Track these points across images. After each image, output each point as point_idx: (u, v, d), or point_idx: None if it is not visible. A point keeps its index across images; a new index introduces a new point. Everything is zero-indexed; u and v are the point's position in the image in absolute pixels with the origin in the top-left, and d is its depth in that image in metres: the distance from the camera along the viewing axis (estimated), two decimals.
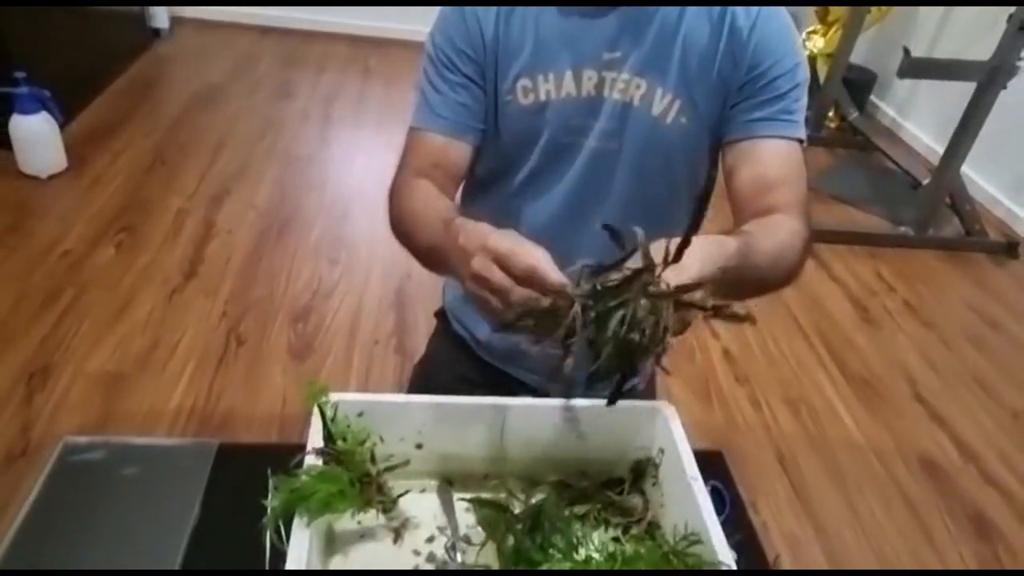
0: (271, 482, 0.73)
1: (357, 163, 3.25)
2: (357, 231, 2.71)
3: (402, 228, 0.94)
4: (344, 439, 0.77)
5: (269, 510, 0.71)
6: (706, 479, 0.81)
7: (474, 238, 0.70)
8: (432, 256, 0.86)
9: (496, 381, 1.18)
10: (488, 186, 1.07)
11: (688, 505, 0.78)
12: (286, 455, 0.76)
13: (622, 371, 0.67)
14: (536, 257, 0.65)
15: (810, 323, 2.57)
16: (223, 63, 3.93)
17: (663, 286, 0.61)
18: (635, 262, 0.62)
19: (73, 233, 2.45)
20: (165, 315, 2.18)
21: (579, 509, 0.87)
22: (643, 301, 0.61)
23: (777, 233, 0.85)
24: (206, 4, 4.30)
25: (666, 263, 0.62)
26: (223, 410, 1.90)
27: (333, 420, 0.78)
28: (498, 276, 0.65)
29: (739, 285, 0.75)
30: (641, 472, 0.90)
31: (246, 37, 4.28)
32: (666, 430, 0.86)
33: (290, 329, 2.22)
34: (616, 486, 0.90)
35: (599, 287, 0.62)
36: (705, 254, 0.66)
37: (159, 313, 2.19)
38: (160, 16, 4.05)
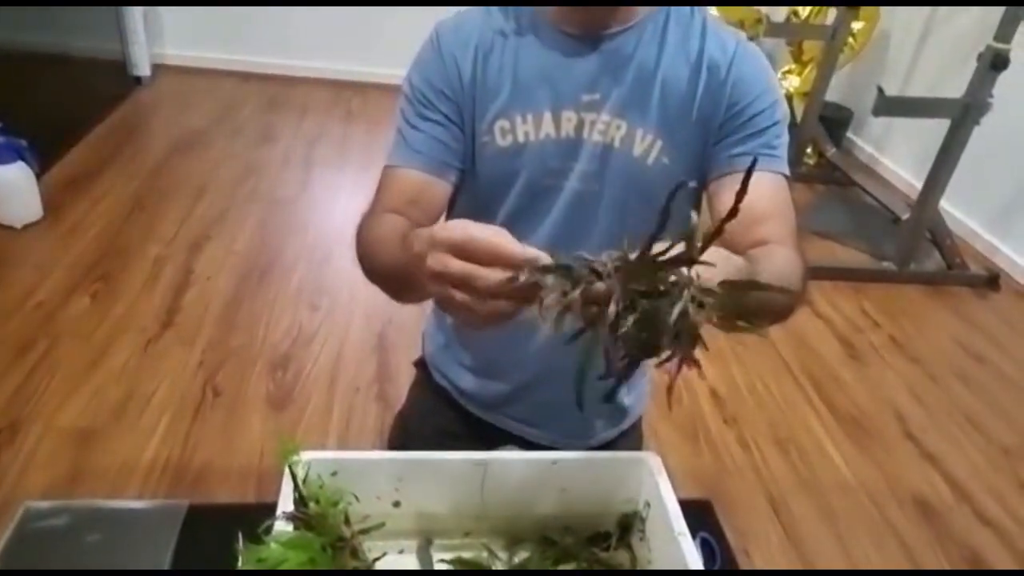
0: (239, 551, 0.69)
1: (339, 206, 3.23)
2: (338, 275, 2.68)
3: (366, 261, 0.90)
4: (316, 501, 0.73)
5: None
6: (695, 530, 0.79)
7: (424, 238, 0.65)
8: (397, 280, 0.81)
9: (479, 432, 1.14)
10: None
11: (677, 561, 0.75)
12: (259, 516, 0.72)
13: (638, 358, 0.62)
14: (496, 235, 0.60)
15: (796, 361, 2.56)
16: (205, 109, 3.93)
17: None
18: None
19: (47, 283, 2.41)
20: (140, 366, 2.13)
21: (564, 567, 0.83)
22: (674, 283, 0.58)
23: (776, 259, 0.82)
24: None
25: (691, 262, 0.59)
26: (198, 464, 1.84)
27: (305, 481, 0.75)
28: (456, 266, 0.60)
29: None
30: (628, 526, 0.87)
31: (228, 83, 4.28)
32: (652, 482, 0.83)
33: (269, 378, 2.17)
34: (602, 541, 0.87)
35: (635, 262, 0.58)
36: (714, 258, 0.61)
37: (134, 364, 2.14)
38: (142, 64, 4.05)
